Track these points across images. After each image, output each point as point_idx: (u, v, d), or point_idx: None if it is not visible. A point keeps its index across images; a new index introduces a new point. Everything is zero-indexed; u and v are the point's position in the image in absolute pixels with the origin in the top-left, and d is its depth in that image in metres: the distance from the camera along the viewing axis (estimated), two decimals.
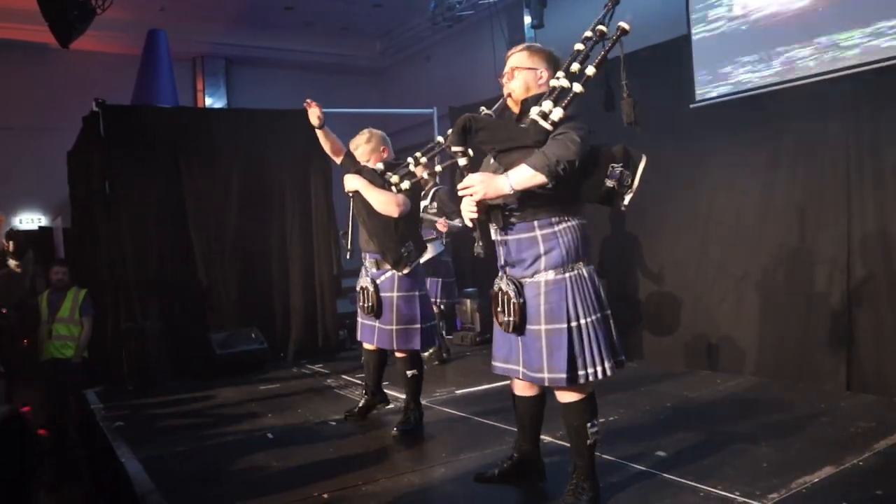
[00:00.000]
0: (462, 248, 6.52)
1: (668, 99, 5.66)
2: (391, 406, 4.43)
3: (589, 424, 2.69)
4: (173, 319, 6.28)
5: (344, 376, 5.81)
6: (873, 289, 4.50)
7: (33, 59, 9.51)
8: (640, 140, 5.67)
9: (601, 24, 2.55)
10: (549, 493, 2.99)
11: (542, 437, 3.19)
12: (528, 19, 8.69)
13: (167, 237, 6.43)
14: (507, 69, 2.72)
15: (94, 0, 5.36)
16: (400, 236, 3.84)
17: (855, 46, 4.48)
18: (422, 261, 5.16)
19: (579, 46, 2.55)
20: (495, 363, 2.84)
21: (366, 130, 4.12)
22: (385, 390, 4.45)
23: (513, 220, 2.60)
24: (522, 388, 2.91)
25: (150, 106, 7.64)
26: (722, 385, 4.85)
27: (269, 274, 6.88)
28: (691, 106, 5.53)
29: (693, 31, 5.53)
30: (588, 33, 2.56)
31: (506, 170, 2.51)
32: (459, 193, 2.53)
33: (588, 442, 2.70)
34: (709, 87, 5.43)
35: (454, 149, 2.55)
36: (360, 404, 4.38)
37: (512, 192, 2.46)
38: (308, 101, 4.13)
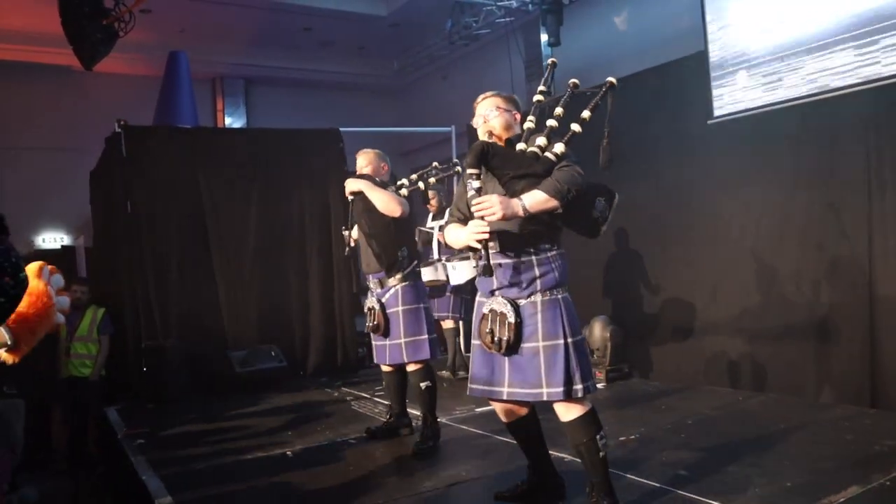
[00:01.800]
0: None
1: (685, 115, 5.67)
2: (414, 434, 4.40)
3: (598, 437, 2.74)
4: (193, 337, 6.32)
5: (363, 394, 5.81)
6: None
7: (58, 81, 9.73)
8: (658, 156, 5.77)
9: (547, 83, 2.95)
10: None
11: (559, 454, 3.16)
12: (544, 37, 8.77)
13: (187, 256, 6.50)
14: (484, 111, 2.91)
15: (116, 23, 5.45)
16: (398, 238, 3.98)
17: (875, 62, 4.46)
18: (464, 280, 5.36)
19: (552, 123, 2.77)
20: (474, 386, 2.87)
21: (360, 152, 4.31)
22: (409, 409, 4.45)
23: (512, 244, 2.71)
24: (506, 413, 2.95)
25: (171, 126, 7.76)
26: (744, 402, 4.80)
27: (288, 292, 6.92)
28: (709, 122, 5.52)
29: (710, 47, 5.53)
30: (542, 87, 2.90)
31: (512, 195, 2.64)
32: (476, 213, 2.59)
33: (600, 454, 2.74)
34: (726, 103, 5.42)
35: (470, 171, 2.66)
36: (384, 424, 4.41)
37: (524, 214, 2.60)
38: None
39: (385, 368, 4.30)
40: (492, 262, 2.63)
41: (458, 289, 5.93)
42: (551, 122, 2.76)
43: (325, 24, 9.90)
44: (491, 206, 2.56)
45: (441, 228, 5.77)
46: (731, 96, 5.40)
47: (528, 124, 2.83)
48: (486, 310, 2.77)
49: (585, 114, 2.73)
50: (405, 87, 12.22)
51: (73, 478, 5.53)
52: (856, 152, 4.65)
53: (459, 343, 6.27)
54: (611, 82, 2.74)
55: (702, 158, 5.61)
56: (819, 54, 4.78)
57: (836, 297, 4.76)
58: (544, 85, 2.92)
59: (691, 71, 5.67)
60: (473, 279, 5.50)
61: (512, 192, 2.67)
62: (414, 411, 4.46)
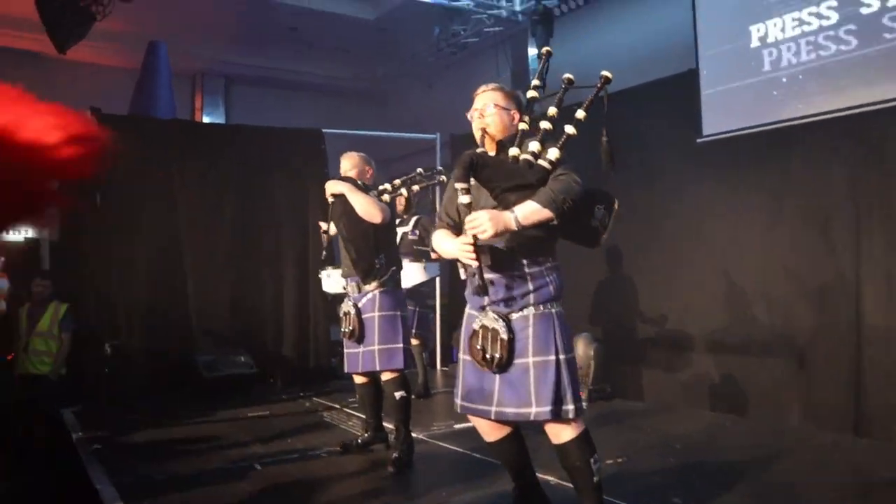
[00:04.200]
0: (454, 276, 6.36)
1: (675, 133, 5.60)
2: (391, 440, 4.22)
3: (591, 460, 2.58)
4: (159, 339, 6.07)
5: (335, 405, 5.60)
6: (885, 330, 4.35)
7: (30, 68, 9.36)
8: (645, 172, 5.68)
9: (542, 76, 2.71)
10: None
11: (546, 477, 2.98)
12: (532, 50, 8.68)
13: (157, 253, 6.26)
14: (481, 105, 2.72)
15: (94, 6, 5.21)
16: (376, 245, 3.84)
17: (868, 83, 4.41)
18: (410, 284, 5.11)
19: (545, 125, 2.58)
20: (462, 402, 2.69)
21: (345, 155, 4.18)
22: (385, 423, 4.27)
23: (504, 258, 2.57)
24: (490, 432, 2.76)
25: (146, 117, 7.49)
26: (730, 427, 4.68)
27: (261, 295, 6.71)
28: (698, 141, 5.44)
29: (701, 65, 5.46)
30: (536, 82, 2.68)
31: (505, 208, 2.48)
32: (468, 231, 2.42)
33: (594, 479, 2.59)
34: (716, 122, 5.35)
35: (459, 185, 2.48)
36: (359, 440, 4.23)
37: (517, 227, 2.44)
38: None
39: (358, 380, 4.14)
40: (484, 277, 2.47)
41: (417, 301, 5.74)
42: (545, 125, 2.58)
43: (312, 24, 9.69)
44: (481, 224, 2.38)
45: (405, 235, 5.62)
46: (721, 115, 5.33)
47: (522, 125, 2.66)
48: (476, 325, 2.60)
49: (580, 114, 2.55)
50: (389, 94, 12.05)
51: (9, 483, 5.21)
52: (843, 175, 4.59)
53: (425, 360, 6.09)
54: (606, 77, 2.55)
55: (689, 177, 5.53)
56: (812, 76, 4.74)
57: (821, 322, 4.67)
58: (538, 79, 2.70)
59: (681, 88, 5.60)
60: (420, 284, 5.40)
61: (504, 204, 2.51)
62: (387, 424, 4.27)
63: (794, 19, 4.91)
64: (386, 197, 3.89)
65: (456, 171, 2.52)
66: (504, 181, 2.52)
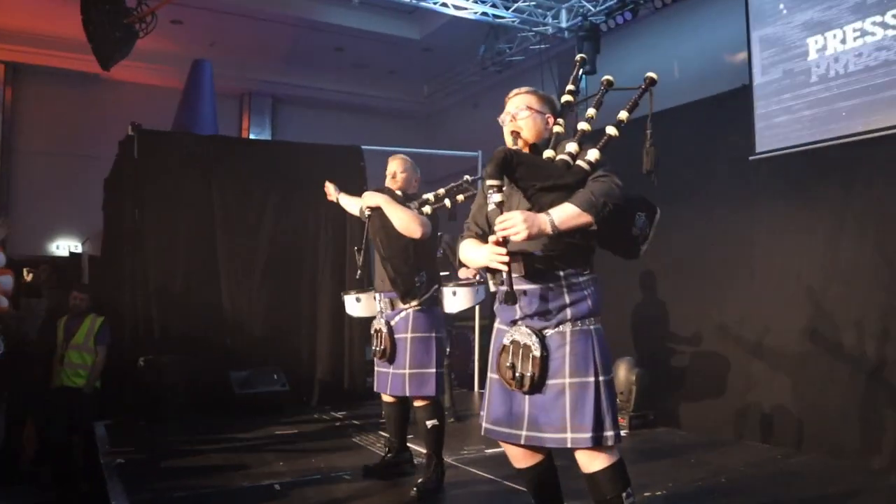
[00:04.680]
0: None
1: (728, 150, 5.40)
2: (414, 472, 4.03)
3: (624, 495, 2.33)
4: (194, 355, 6.00)
5: (367, 425, 5.45)
6: None
7: (81, 87, 9.65)
8: (694, 192, 5.43)
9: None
10: None
11: None
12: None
13: (194, 268, 6.24)
14: (513, 108, 2.58)
15: (137, 23, 5.27)
16: (416, 262, 3.59)
17: None
18: (458, 309, 4.85)
19: (584, 126, 2.44)
20: (488, 426, 2.47)
21: (393, 157, 3.93)
22: (409, 444, 4.10)
23: (539, 267, 2.36)
24: (521, 458, 2.54)
25: (185, 132, 7.55)
26: (782, 461, 4.35)
27: (297, 313, 6.63)
28: (751, 158, 5.20)
29: (756, 81, 5.23)
30: (570, 87, 2.61)
31: (539, 211, 2.28)
32: (499, 233, 2.23)
33: None
34: (771, 139, 5.09)
35: (490, 183, 2.28)
36: (382, 460, 4.04)
37: (553, 231, 2.24)
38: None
39: (386, 398, 3.91)
40: (515, 287, 2.27)
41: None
42: (583, 126, 2.41)
43: (358, 44, 9.76)
44: (514, 225, 2.20)
45: None
46: (775, 133, 5.07)
47: (557, 128, 2.51)
48: (507, 341, 2.39)
49: (622, 114, 2.40)
50: (434, 114, 12.03)
51: (52, 495, 5.21)
52: None
53: (452, 381, 5.87)
54: (650, 78, 2.41)
55: (742, 196, 5.29)
56: (872, 92, 4.45)
57: (888, 348, 4.31)
58: (573, 83, 2.59)
59: (733, 105, 5.42)
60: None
61: (539, 206, 2.31)
62: (417, 447, 4.08)
63: (855, 30, 4.65)
64: (427, 209, 3.57)
65: (488, 167, 2.32)
66: (540, 181, 2.34)
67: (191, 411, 5.75)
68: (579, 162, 2.34)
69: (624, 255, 2.56)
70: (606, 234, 2.41)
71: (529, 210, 2.31)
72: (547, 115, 2.58)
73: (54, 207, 9.11)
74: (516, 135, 2.52)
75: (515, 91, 2.65)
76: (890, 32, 4.41)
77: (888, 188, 4.42)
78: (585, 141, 2.39)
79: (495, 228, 2.26)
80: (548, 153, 2.42)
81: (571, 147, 2.36)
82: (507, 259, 2.24)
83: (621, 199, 2.30)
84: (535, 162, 2.41)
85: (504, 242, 2.25)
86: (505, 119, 2.59)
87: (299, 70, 10.62)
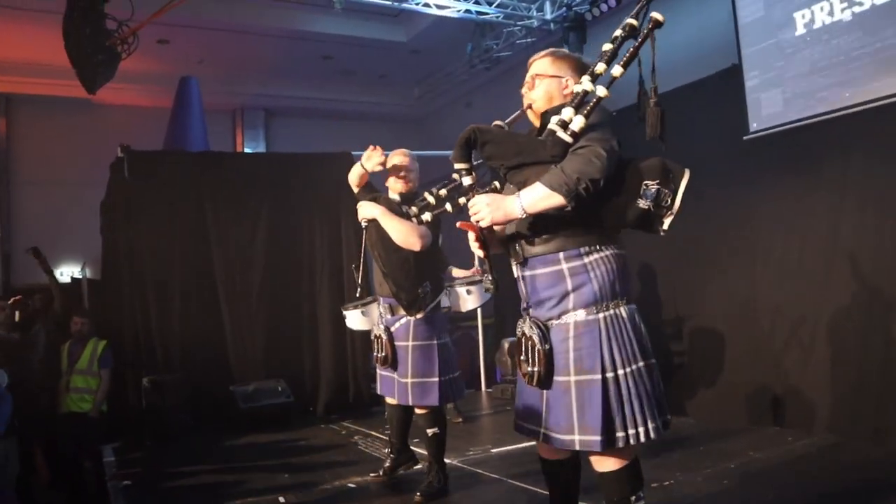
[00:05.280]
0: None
1: (720, 131, 5.34)
2: (419, 466, 4.01)
3: (634, 498, 2.16)
4: (196, 371, 6.02)
5: (373, 433, 5.43)
6: None
7: (74, 113, 9.67)
8: (693, 175, 5.34)
9: (634, 18, 2.14)
10: None
11: None
12: None
13: (191, 285, 6.24)
14: (527, 78, 2.36)
15: (119, 45, 5.26)
16: (418, 274, 3.48)
17: None
18: (473, 307, 4.68)
19: (607, 46, 2.14)
20: (516, 420, 2.36)
21: (397, 151, 3.73)
22: (413, 447, 4.07)
23: (534, 251, 2.19)
24: (545, 450, 2.40)
25: (174, 150, 7.53)
26: (794, 444, 4.29)
27: (297, 324, 6.60)
28: (744, 138, 5.13)
29: (745, 60, 5.18)
30: (618, 32, 2.13)
31: (518, 190, 2.12)
32: (471, 217, 2.13)
33: None
34: (762, 118, 5.02)
35: (457, 166, 2.16)
36: (386, 464, 4.02)
37: (524, 215, 2.08)
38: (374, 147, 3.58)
39: (389, 401, 3.87)
40: (516, 274, 2.17)
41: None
42: (578, 87, 2.09)
43: (346, 51, 9.73)
44: (479, 211, 2.08)
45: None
46: (768, 110, 5.00)
47: (577, 88, 2.13)
48: (518, 332, 2.24)
49: (616, 70, 2.08)
50: (427, 116, 11.98)
51: None
52: None
53: None
54: (656, 20, 2.08)
55: (737, 177, 5.22)
56: (867, 60, 4.39)
57: (890, 327, 4.24)
58: (621, 29, 2.12)
59: (725, 86, 5.36)
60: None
61: (518, 185, 2.15)
62: (422, 451, 4.05)
63: (843, 1, 4.58)
64: (427, 216, 3.21)
65: (454, 151, 2.18)
66: (507, 158, 2.16)
67: (197, 429, 5.75)
68: (559, 133, 2.07)
69: (643, 230, 2.23)
70: (606, 210, 2.15)
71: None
72: (565, 79, 2.30)
73: (54, 234, 9.11)
74: (529, 108, 2.34)
75: (535, 56, 2.38)
76: (878, 1, 4.34)
77: (885, 159, 4.34)
78: (584, 103, 2.08)
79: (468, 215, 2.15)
80: (554, 119, 2.12)
81: (567, 113, 2.07)
82: (478, 244, 2.15)
83: (604, 171, 2.02)
84: (507, 138, 2.22)
85: (488, 229, 2.14)
86: (525, 91, 2.37)
87: (289, 81, 10.61)
